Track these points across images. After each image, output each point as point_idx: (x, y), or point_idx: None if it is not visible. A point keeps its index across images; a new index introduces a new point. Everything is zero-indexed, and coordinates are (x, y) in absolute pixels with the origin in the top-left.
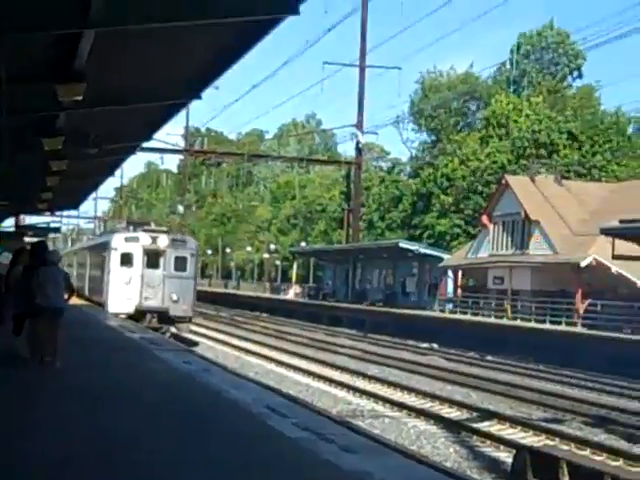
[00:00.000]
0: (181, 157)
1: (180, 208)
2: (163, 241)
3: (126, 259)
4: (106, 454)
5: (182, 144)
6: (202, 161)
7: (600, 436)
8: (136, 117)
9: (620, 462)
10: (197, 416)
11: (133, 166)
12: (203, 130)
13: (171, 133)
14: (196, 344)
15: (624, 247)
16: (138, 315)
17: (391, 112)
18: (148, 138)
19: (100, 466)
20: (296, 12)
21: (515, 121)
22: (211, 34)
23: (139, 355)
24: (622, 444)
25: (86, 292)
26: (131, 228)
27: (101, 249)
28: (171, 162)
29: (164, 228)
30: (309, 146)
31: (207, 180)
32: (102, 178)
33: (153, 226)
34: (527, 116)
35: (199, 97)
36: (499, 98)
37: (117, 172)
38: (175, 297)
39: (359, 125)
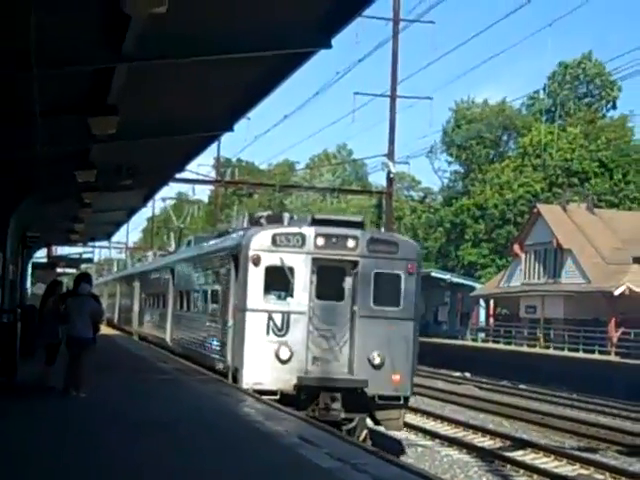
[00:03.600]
0: (212, 187)
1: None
2: (354, 242)
3: (276, 280)
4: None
5: (213, 175)
6: (233, 191)
7: (635, 465)
8: (169, 149)
9: None
10: None
11: (165, 195)
12: (234, 161)
13: (202, 164)
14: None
15: None
16: (302, 395)
17: (422, 142)
18: (181, 169)
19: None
20: (328, 46)
21: (550, 152)
22: (243, 68)
23: None
24: None
25: (179, 346)
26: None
27: (211, 262)
28: (202, 193)
29: (357, 218)
30: (340, 176)
31: (239, 210)
32: (135, 209)
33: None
34: (560, 148)
35: (231, 129)
36: (537, 126)
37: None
38: (378, 358)
39: (390, 155)
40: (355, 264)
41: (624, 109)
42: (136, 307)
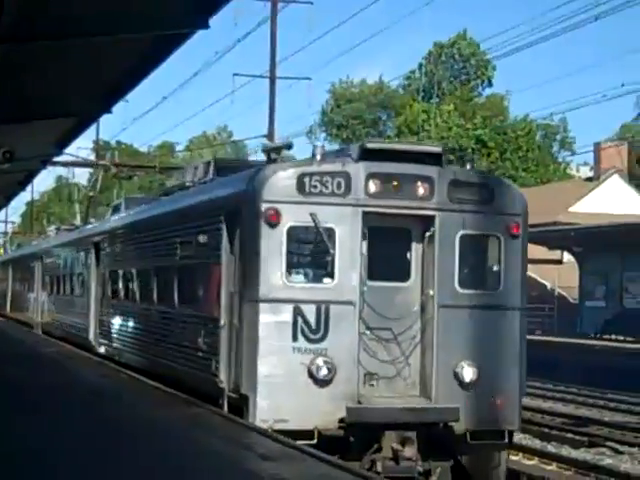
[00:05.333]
0: (91, 171)
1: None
2: (427, 188)
3: (306, 251)
4: None
5: (92, 157)
6: (114, 174)
7: None
8: (46, 132)
9: None
10: None
11: (44, 180)
12: (113, 143)
13: (82, 147)
14: None
15: (534, 251)
16: (353, 436)
17: (302, 122)
18: (59, 152)
19: None
20: (206, 26)
21: (426, 129)
22: (120, 50)
23: None
24: None
25: (120, 351)
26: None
27: (178, 228)
28: (82, 176)
29: (433, 147)
30: (221, 156)
31: (119, 193)
32: (12, 194)
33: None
34: (437, 125)
35: (109, 111)
36: (412, 105)
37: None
38: (470, 371)
39: (270, 136)
40: (429, 222)
41: (500, 88)
42: (41, 295)
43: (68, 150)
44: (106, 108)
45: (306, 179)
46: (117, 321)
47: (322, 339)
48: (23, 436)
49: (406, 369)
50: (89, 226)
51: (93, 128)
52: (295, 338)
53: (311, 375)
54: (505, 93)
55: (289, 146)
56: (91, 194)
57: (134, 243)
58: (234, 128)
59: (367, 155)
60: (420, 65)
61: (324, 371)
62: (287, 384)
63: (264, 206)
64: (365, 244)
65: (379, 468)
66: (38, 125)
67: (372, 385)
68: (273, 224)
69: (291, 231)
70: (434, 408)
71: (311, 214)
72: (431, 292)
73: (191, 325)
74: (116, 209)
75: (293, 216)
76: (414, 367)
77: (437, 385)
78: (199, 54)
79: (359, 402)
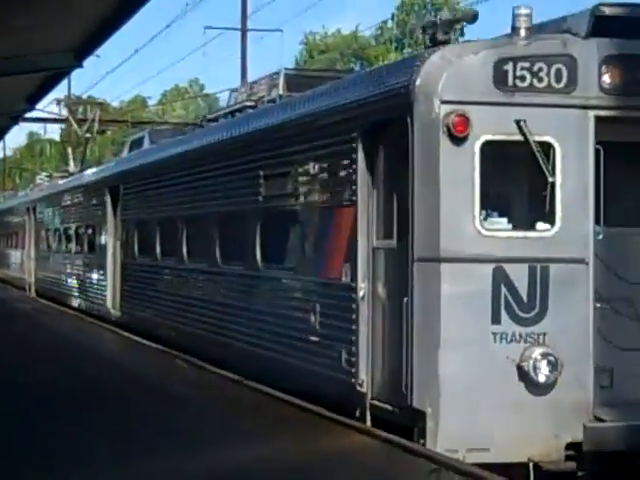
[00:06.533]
0: (63, 126)
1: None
2: None
3: (509, 181)
4: None
5: (65, 113)
6: (87, 129)
7: None
8: (16, 87)
9: None
10: None
11: (15, 137)
12: (85, 98)
13: (53, 102)
14: None
15: None
16: (591, 469)
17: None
18: (30, 108)
19: None
20: None
21: None
22: (92, 1)
23: None
24: None
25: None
26: None
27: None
28: (54, 132)
29: None
30: (193, 111)
31: (92, 148)
32: None
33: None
34: None
35: (81, 66)
36: (387, 55)
37: None
38: None
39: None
40: None
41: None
42: (34, 252)
43: (39, 105)
44: (77, 62)
45: (508, 67)
46: (151, 286)
47: (539, 319)
48: None
49: None
50: (93, 170)
51: (64, 83)
52: (497, 319)
53: (523, 376)
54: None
55: (473, 17)
56: (88, 135)
57: (184, 182)
58: (206, 81)
59: (602, 27)
60: (393, 15)
61: (544, 370)
62: (486, 392)
63: (444, 109)
64: (600, 170)
65: None
66: (6, 81)
67: (615, 390)
68: (459, 137)
69: (487, 148)
70: None
71: (517, 121)
72: None
73: (292, 295)
74: (136, 144)
75: (489, 125)
76: None
77: None
78: (170, 6)
79: (597, 418)
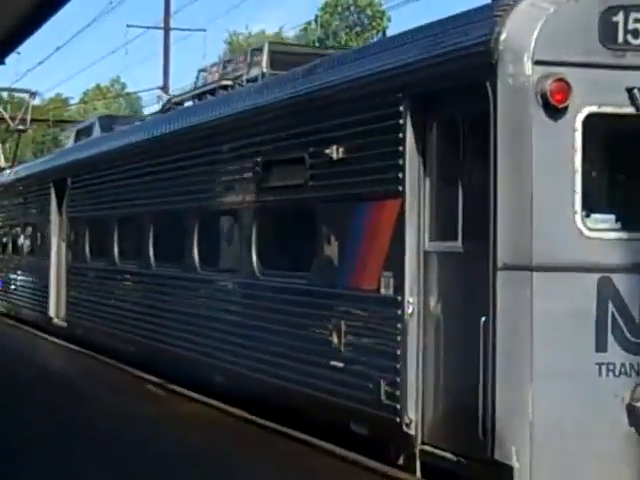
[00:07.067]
0: None
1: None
2: None
3: (619, 168)
4: None
5: None
6: (6, 127)
7: None
8: None
9: None
10: None
11: None
12: (5, 96)
13: None
14: None
15: None
16: None
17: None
18: None
19: None
20: None
21: None
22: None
23: None
24: None
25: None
26: None
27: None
28: None
29: None
30: (115, 110)
31: (11, 147)
32: None
33: None
34: None
35: (3, 63)
36: None
37: None
38: None
39: (165, 88)
40: None
41: None
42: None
43: None
44: None
45: (618, 17)
46: (106, 293)
47: None
48: None
49: None
50: (34, 162)
51: None
52: (602, 345)
53: (634, 421)
54: None
55: None
56: (20, 127)
57: (154, 172)
58: (128, 80)
59: None
60: (316, 16)
61: None
62: (589, 440)
63: (538, 71)
64: None
65: None
66: None
67: None
68: (558, 109)
69: (590, 124)
70: None
71: (630, 89)
72: None
73: (305, 310)
74: (83, 133)
75: (594, 93)
76: None
77: None
78: (93, 4)
79: None
